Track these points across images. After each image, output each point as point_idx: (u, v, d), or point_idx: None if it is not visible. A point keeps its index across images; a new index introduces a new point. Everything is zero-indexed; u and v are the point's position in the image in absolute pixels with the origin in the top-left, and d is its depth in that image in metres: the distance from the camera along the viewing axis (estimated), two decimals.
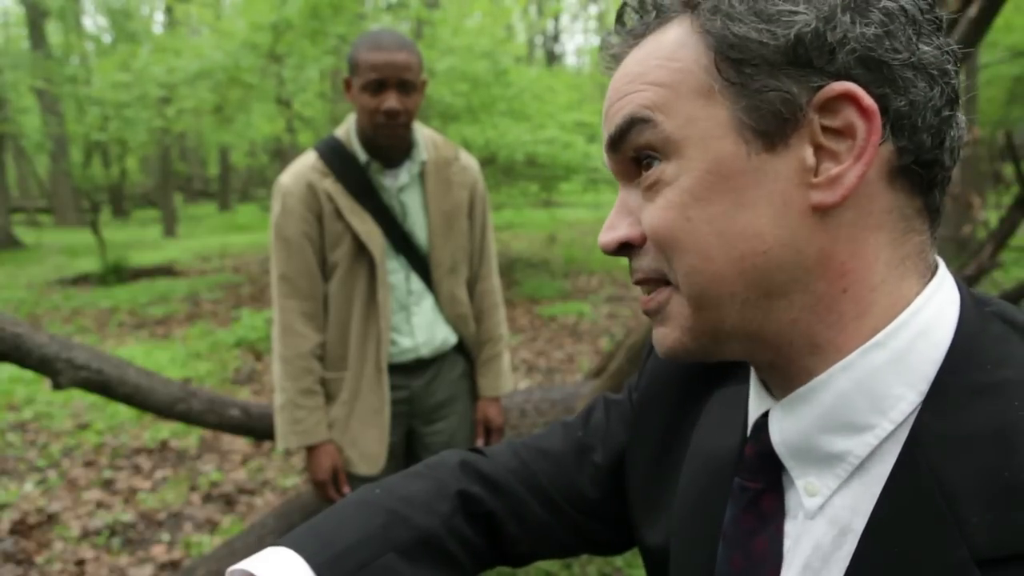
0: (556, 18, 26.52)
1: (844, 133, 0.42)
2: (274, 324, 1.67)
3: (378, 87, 1.53)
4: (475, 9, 7.90)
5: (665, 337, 0.49)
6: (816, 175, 0.42)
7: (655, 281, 0.48)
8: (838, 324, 0.44)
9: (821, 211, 0.42)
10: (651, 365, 0.67)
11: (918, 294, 0.44)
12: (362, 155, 1.62)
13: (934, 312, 0.44)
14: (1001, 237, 2.12)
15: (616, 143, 0.48)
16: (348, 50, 1.62)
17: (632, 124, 0.46)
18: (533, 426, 2.50)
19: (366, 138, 1.62)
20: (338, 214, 1.62)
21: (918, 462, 0.41)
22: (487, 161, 6.37)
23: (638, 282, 0.49)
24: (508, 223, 10.44)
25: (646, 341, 2.29)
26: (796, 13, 0.41)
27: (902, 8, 0.42)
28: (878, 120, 0.41)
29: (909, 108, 0.42)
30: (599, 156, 7.19)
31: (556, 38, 28.82)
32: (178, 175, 18.22)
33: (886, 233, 0.43)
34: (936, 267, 0.46)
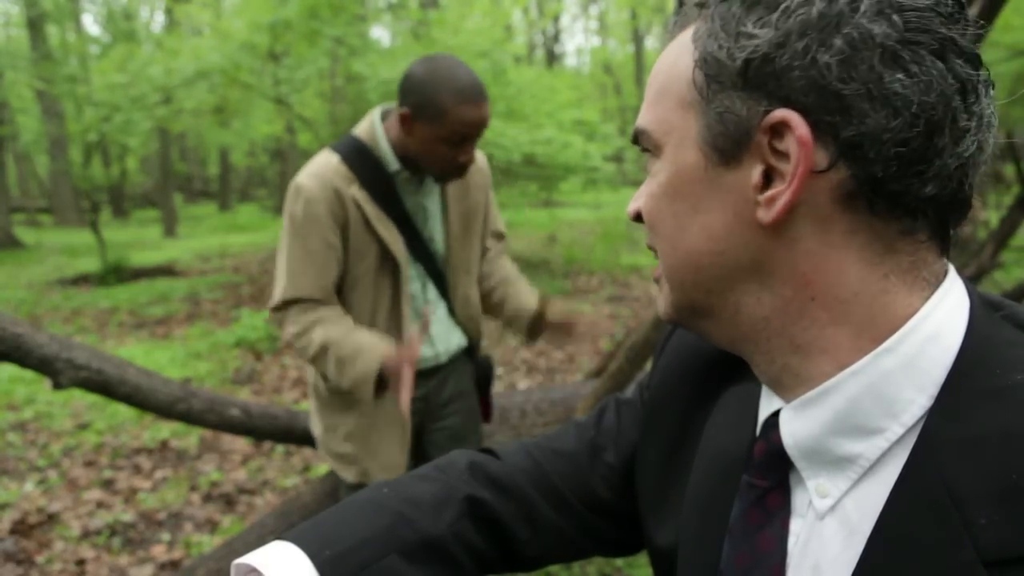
0: (556, 18, 26.51)
1: (789, 156, 0.43)
2: (287, 333, 1.54)
3: (462, 141, 1.45)
4: (475, 10, 7.91)
5: (658, 303, 0.55)
6: (763, 192, 0.44)
7: (655, 251, 0.54)
8: (813, 328, 0.46)
9: (772, 225, 0.44)
10: (663, 363, 0.67)
11: (925, 302, 0.44)
12: (393, 163, 1.54)
13: (943, 317, 0.44)
14: (1001, 237, 2.12)
15: (635, 142, 0.54)
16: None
17: (638, 135, 0.52)
18: (533, 426, 2.50)
19: (408, 158, 1.52)
20: (366, 224, 1.52)
21: (927, 464, 0.42)
22: None
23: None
24: (508, 223, 10.43)
25: (654, 340, 2.27)
26: (754, 36, 0.42)
27: (871, 37, 0.40)
28: (810, 149, 0.42)
29: (860, 138, 0.41)
30: (598, 156, 7.19)
31: (556, 38, 28.82)
32: (178, 175, 18.22)
33: (854, 252, 0.44)
34: (944, 275, 0.46)
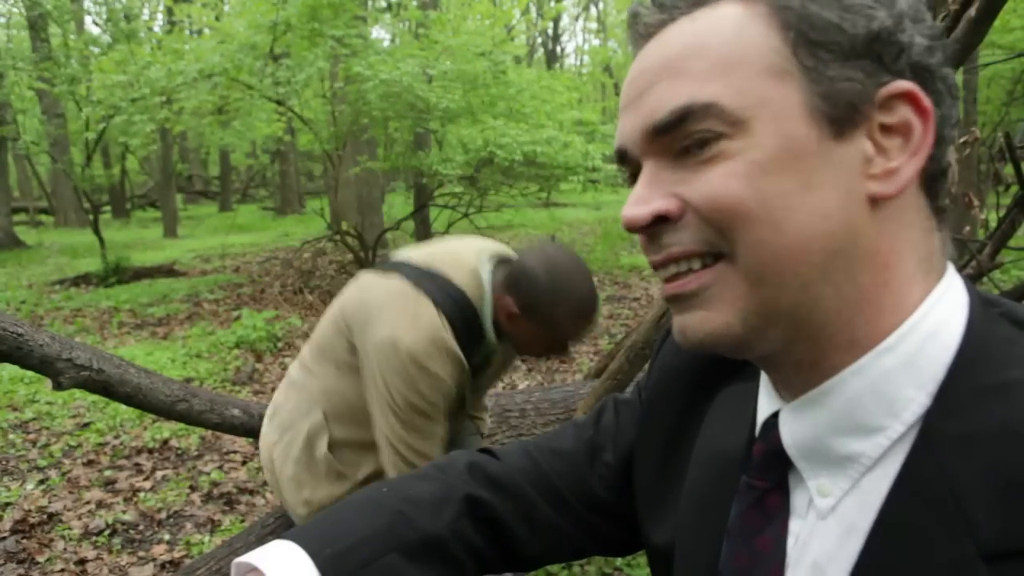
0: (556, 20, 26.50)
1: (897, 131, 0.44)
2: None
3: (564, 348, 1.46)
4: (475, 10, 7.92)
5: (705, 322, 0.46)
6: (871, 167, 0.44)
7: (696, 255, 0.46)
8: (876, 319, 0.45)
9: (874, 203, 0.44)
10: (660, 363, 0.67)
11: (930, 294, 0.45)
12: (491, 336, 1.49)
13: (943, 315, 0.45)
14: (1001, 237, 2.11)
15: (665, 130, 0.45)
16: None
17: (690, 112, 0.44)
18: (533, 426, 2.50)
19: (504, 333, 1.50)
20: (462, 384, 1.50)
21: (926, 461, 0.42)
22: (485, 162, 6.37)
23: (669, 260, 0.47)
24: (508, 223, 10.44)
25: (652, 340, 2.25)
26: (874, 9, 0.43)
27: (937, 33, 0.45)
28: (933, 120, 0.44)
29: (941, 119, 0.45)
30: (598, 156, 7.18)
31: (556, 39, 28.81)
32: (179, 175, 18.21)
33: (917, 231, 0.45)
34: (945, 269, 0.47)
